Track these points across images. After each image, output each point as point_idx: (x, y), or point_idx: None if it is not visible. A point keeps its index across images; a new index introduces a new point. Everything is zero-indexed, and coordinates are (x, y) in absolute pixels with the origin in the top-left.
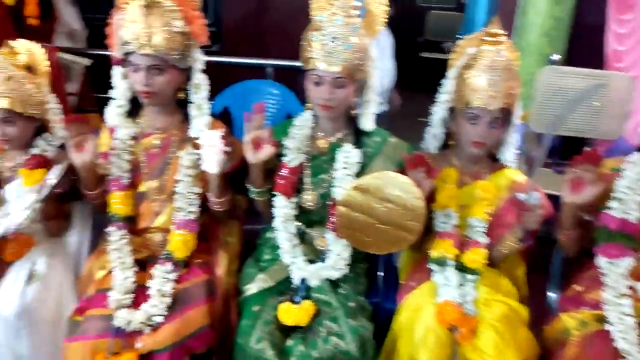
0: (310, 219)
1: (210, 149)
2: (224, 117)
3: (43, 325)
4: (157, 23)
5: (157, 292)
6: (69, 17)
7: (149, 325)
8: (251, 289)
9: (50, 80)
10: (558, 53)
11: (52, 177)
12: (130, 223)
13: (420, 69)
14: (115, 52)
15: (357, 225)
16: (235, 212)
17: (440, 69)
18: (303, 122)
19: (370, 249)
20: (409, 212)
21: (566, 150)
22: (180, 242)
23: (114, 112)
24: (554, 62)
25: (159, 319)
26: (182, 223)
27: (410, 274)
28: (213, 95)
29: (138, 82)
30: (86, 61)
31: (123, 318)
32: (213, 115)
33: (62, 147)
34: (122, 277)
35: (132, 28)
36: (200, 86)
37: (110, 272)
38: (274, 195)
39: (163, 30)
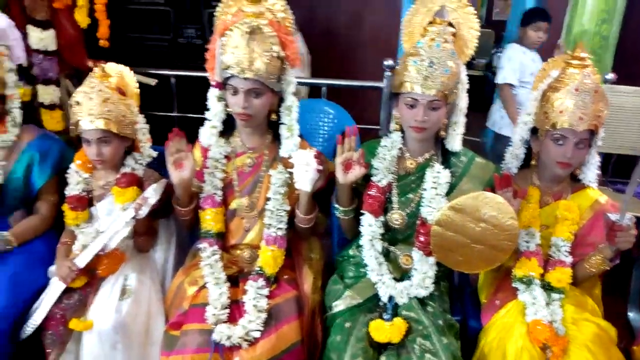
0: (395, 237)
1: (303, 167)
2: None
3: (135, 338)
4: (258, 49)
5: (253, 308)
6: None
7: (246, 341)
8: (339, 305)
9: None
10: (606, 72)
11: (153, 195)
12: (221, 239)
13: None
14: (214, 76)
15: (451, 244)
16: (316, 229)
17: (472, 85)
18: (391, 143)
19: (462, 268)
20: (504, 232)
21: (619, 168)
22: (270, 258)
23: (209, 132)
24: (607, 81)
25: (257, 334)
26: (271, 239)
27: (492, 293)
28: None
29: (237, 105)
30: (152, 81)
31: (222, 333)
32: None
33: (148, 165)
34: (218, 293)
35: (234, 53)
36: (291, 108)
37: (202, 287)
38: (359, 214)
39: (263, 55)
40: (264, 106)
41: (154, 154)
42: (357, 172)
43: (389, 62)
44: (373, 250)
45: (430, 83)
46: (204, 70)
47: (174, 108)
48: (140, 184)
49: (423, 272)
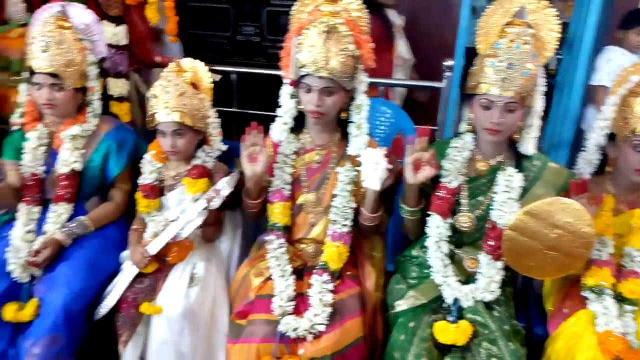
0: (461, 240)
1: (373, 166)
2: None
3: (201, 325)
4: (334, 48)
5: (319, 302)
6: None
7: (311, 333)
8: (401, 305)
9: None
10: None
11: (226, 187)
12: (287, 233)
13: None
14: (289, 74)
15: (523, 250)
16: (379, 228)
17: None
18: (463, 145)
19: (532, 274)
20: (579, 239)
21: None
22: (335, 254)
23: (280, 128)
24: None
25: (322, 328)
26: (337, 235)
27: (560, 301)
28: None
29: (310, 103)
30: (217, 77)
31: (289, 325)
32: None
33: (218, 158)
34: (284, 285)
35: (310, 52)
36: (361, 107)
37: (268, 279)
38: (424, 215)
39: (339, 54)
40: (335, 104)
41: (224, 147)
42: (427, 172)
43: (449, 62)
44: (439, 252)
45: (508, 85)
46: (263, 67)
47: (233, 104)
48: (210, 176)
49: (489, 276)
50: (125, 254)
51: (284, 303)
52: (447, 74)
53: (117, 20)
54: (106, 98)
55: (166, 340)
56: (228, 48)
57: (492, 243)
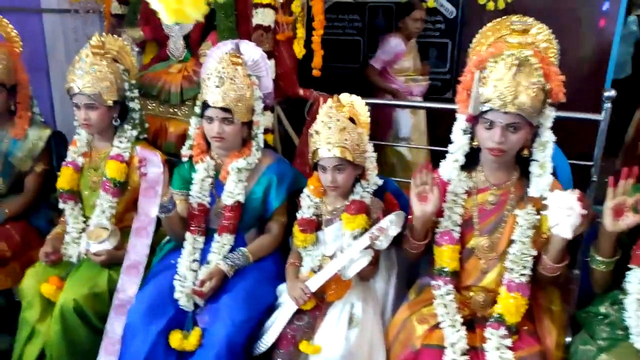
0: None
1: (565, 211)
2: None
3: None
4: (524, 82)
5: (498, 359)
6: None
7: None
8: None
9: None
10: None
11: (393, 226)
12: (455, 279)
13: None
14: (468, 109)
15: None
16: (560, 279)
17: None
18: None
19: None
20: None
21: None
22: (512, 306)
23: (451, 165)
24: None
25: None
26: (514, 286)
27: None
28: None
29: (491, 140)
30: None
31: None
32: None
33: (379, 196)
34: (456, 337)
35: (497, 86)
36: (547, 144)
37: (434, 327)
38: (623, 265)
39: (529, 88)
40: (519, 141)
41: (380, 182)
42: (630, 220)
43: (610, 92)
44: None
45: None
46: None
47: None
48: (367, 211)
49: None
50: (282, 287)
51: (458, 357)
52: (607, 105)
53: (268, 55)
54: None
55: None
56: (355, 78)
57: None
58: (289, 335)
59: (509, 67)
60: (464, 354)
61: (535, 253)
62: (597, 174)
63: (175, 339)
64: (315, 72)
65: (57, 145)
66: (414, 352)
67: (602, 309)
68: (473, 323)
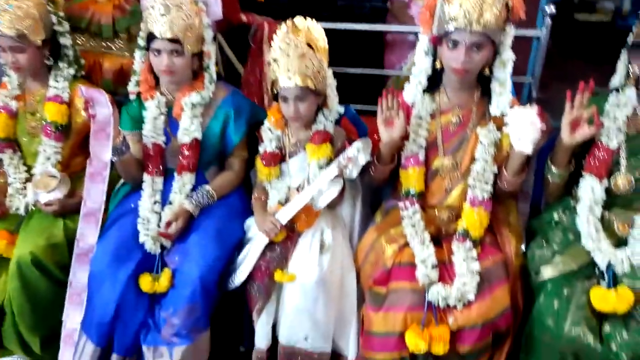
0: (613, 201)
1: (526, 127)
2: None
3: (333, 292)
4: None
5: (467, 270)
6: None
7: (461, 302)
8: (549, 271)
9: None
10: None
11: (361, 154)
12: (421, 199)
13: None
14: (431, 29)
15: None
16: (516, 191)
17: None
18: (624, 100)
19: None
20: None
21: None
22: (476, 221)
23: (414, 89)
24: None
25: (471, 297)
26: (477, 201)
27: None
28: None
29: (455, 60)
30: None
31: (438, 294)
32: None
33: (336, 122)
34: (426, 253)
35: (462, 4)
36: (507, 62)
37: (403, 246)
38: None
39: (494, 5)
40: (482, 60)
41: (342, 110)
42: (586, 131)
43: (550, 8)
44: (592, 217)
45: None
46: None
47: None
48: (331, 141)
49: None
50: (249, 221)
51: (429, 271)
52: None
53: None
54: None
55: (301, 307)
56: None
57: None
58: (263, 267)
59: None
60: (434, 268)
61: (496, 170)
62: (535, 89)
63: (146, 282)
64: None
65: None
66: (386, 271)
67: (555, 216)
68: (439, 239)
